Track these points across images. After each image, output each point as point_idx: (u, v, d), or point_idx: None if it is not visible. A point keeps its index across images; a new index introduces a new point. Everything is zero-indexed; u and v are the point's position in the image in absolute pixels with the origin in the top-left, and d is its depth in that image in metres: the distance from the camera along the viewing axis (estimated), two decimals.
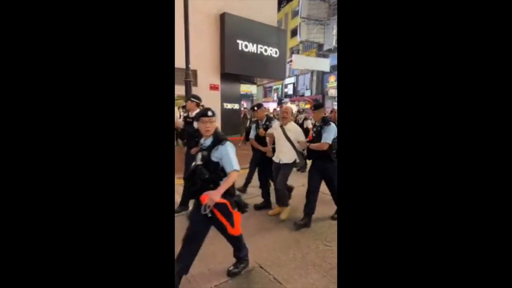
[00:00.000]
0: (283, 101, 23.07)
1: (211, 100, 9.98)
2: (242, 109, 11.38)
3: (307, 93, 21.77)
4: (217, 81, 10.24)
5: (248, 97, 12.41)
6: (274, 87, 26.03)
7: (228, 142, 1.79)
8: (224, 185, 1.72)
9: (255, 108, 3.54)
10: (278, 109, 12.64)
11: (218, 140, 1.79)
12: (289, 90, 24.70)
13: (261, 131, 3.38)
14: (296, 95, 23.38)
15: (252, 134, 3.53)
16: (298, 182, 4.02)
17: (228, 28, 9.73)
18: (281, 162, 3.01)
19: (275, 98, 25.58)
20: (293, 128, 3.01)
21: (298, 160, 2.98)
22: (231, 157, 1.75)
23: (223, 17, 9.71)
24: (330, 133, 2.69)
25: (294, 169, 3.09)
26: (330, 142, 2.67)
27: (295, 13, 22.03)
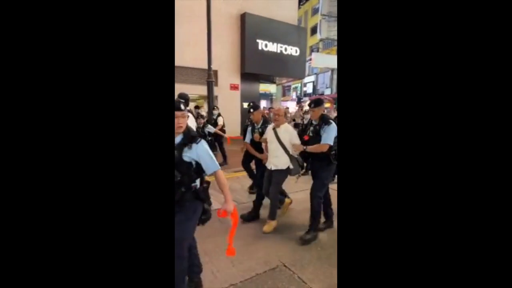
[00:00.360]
0: (302, 100, 22.83)
1: (231, 99, 10.12)
2: (261, 108, 11.40)
3: (327, 92, 21.38)
4: (237, 80, 10.36)
5: (267, 96, 12.41)
6: (293, 86, 25.81)
7: (203, 140, 1.60)
8: (227, 190, 1.61)
9: (251, 110, 3.22)
10: (296, 108, 12.52)
11: (190, 137, 1.56)
12: (308, 88, 24.39)
13: (256, 136, 3.10)
14: (315, 94, 23.04)
15: (247, 138, 3.27)
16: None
17: (249, 28, 9.80)
18: (273, 169, 2.76)
19: (294, 97, 25.37)
20: (286, 131, 2.73)
21: (292, 167, 2.73)
22: (211, 155, 1.59)
23: (243, 17, 9.79)
24: (331, 133, 2.44)
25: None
26: (331, 143, 2.44)
27: (315, 11, 21.68)
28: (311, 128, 2.61)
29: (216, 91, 8.47)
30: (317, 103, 2.60)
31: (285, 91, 26.45)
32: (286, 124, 2.81)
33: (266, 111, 7.56)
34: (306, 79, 22.29)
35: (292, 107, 15.87)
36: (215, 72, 9.14)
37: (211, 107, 6.03)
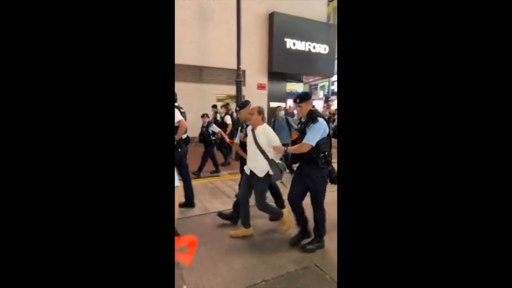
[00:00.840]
0: (329, 99, 22.31)
1: (259, 99, 10.18)
2: (288, 107, 11.39)
3: None
4: (264, 80, 10.41)
5: (293, 95, 12.31)
6: (320, 84, 25.30)
7: None
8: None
9: (237, 108, 2.98)
10: (324, 107, 12.30)
11: None
12: (336, 87, 23.78)
13: (241, 135, 2.93)
14: None
15: (237, 138, 3.07)
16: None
17: (277, 27, 9.79)
18: (255, 175, 2.48)
19: (321, 95, 24.88)
20: (264, 133, 2.43)
21: (272, 172, 2.43)
22: None
23: (271, 16, 9.80)
24: (315, 133, 2.13)
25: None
26: (313, 144, 2.13)
27: None
28: (298, 126, 2.35)
29: (244, 90, 8.59)
30: (303, 97, 2.28)
31: (312, 90, 26.00)
32: (265, 125, 2.51)
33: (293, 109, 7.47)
34: (334, 78, 21.74)
35: (320, 106, 15.58)
36: (243, 72, 9.27)
37: (221, 106, 6.00)
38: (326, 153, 2.20)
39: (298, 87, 12.47)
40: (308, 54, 10.52)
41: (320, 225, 2.38)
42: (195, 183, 4.33)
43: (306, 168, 2.27)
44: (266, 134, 2.43)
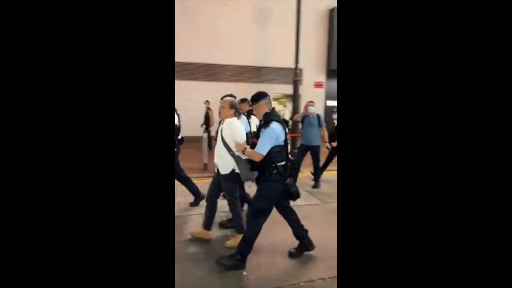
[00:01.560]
0: None
1: (315, 98, 9.99)
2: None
3: None
4: (322, 78, 10.16)
5: None
6: None
7: None
8: None
9: (222, 99, 2.77)
10: None
11: None
12: None
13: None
14: None
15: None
16: None
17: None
18: (216, 170, 2.32)
19: None
20: (229, 126, 2.19)
21: (237, 170, 2.19)
22: None
23: (332, 12, 9.50)
24: (265, 140, 1.87)
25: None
26: (263, 153, 1.87)
27: None
28: (256, 130, 2.11)
29: (300, 89, 8.55)
30: (254, 98, 2.02)
31: None
32: (234, 118, 2.26)
33: None
34: None
35: None
36: (300, 70, 9.23)
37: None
38: (280, 163, 1.93)
39: None
40: None
41: (245, 239, 2.02)
42: None
43: (262, 177, 2.02)
44: (230, 128, 2.20)
